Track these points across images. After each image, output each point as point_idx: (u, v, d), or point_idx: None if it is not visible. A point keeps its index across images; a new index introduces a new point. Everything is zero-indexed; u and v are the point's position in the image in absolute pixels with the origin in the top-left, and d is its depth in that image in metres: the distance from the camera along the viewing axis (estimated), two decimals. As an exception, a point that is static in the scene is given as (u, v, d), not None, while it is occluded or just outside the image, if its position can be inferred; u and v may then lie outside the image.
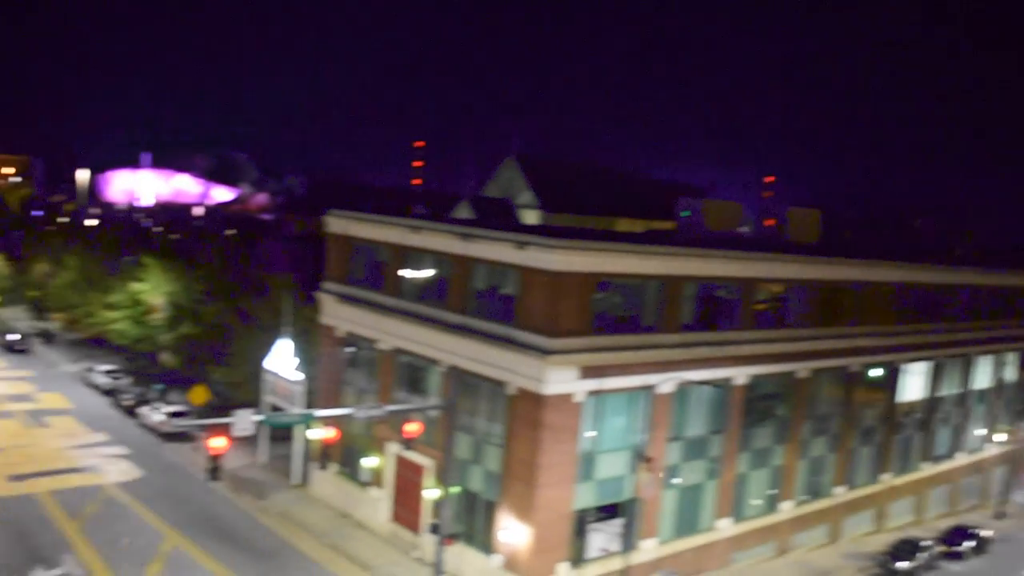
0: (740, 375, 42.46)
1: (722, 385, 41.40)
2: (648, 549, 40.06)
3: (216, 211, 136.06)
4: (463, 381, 38.37)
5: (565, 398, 35.79)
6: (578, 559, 37.78)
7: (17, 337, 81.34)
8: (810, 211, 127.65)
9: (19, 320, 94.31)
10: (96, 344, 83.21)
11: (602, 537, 38.46)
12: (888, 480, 53.51)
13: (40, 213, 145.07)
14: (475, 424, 39.00)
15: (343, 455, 46.78)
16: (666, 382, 38.69)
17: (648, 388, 38.48)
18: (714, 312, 41.62)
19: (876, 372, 51.01)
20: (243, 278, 63.83)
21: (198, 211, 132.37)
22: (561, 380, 35.47)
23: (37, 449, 53.42)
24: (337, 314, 46.84)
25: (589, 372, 36.23)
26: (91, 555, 39.47)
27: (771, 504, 46.21)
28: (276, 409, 50.24)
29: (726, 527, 43.87)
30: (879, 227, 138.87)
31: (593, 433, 37.38)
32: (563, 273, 34.98)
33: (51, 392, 67.17)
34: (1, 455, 51.78)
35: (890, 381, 52.33)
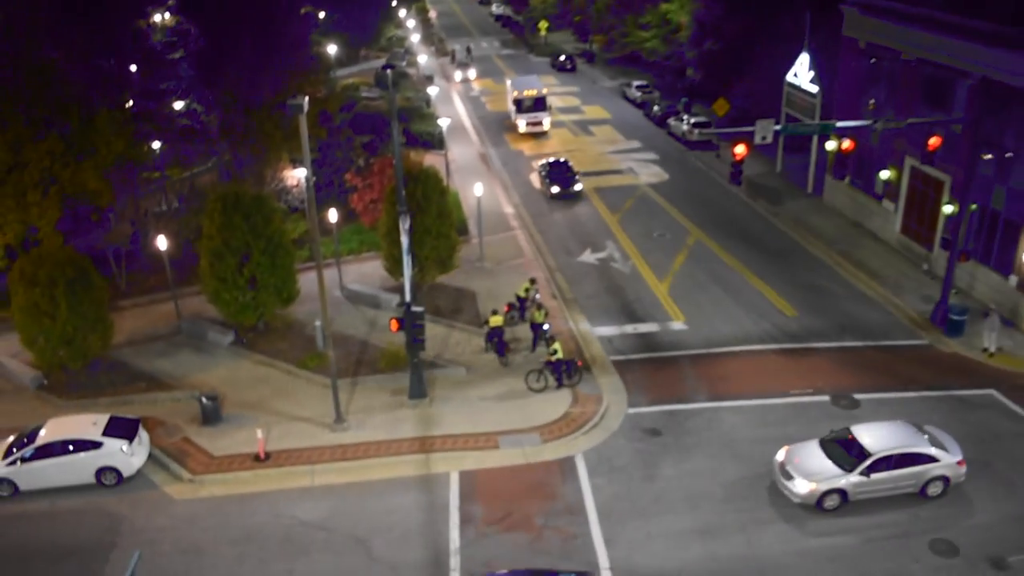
0: None
1: None
2: None
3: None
4: (992, 94, 36.39)
5: (1113, 112, 32.51)
6: (1108, 286, 35.67)
7: (564, 57, 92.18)
8: None
9: (565, 43, 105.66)
10: (630, 62, 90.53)
11: None
12: None
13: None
14: (1002, 140, 37.13)
15: (857, 167, 47.54)
16: None
17: None
18: None
19: None
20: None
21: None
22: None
23: (584, 154, 61.95)
24: (860, 26, 45.91)
25: None
26: (627, 243, 46.43)
27: None
28: (793, 120, 51.99)
29: None
30: None
31: None
32: None
33: (593, 105, 75.95)
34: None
35: None
